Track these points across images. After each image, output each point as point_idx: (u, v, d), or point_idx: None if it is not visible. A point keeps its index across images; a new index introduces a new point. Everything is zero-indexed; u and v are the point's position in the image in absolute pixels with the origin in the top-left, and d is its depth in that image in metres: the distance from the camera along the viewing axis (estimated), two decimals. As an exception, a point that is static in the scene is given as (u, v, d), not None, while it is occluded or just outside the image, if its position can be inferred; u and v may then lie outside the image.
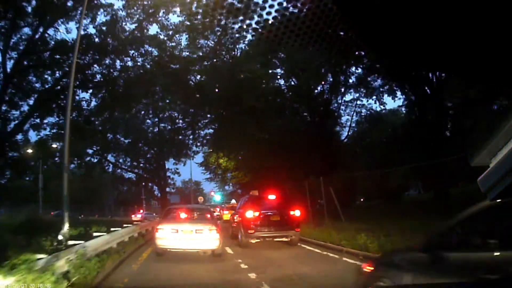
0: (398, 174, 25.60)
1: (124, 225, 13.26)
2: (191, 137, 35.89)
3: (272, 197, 14.59)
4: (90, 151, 38.09)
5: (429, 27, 1.38)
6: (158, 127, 40.16)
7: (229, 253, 11.80)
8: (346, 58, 20.98)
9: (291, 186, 23.02)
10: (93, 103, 26.54)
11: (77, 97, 24.12)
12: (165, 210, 14.29)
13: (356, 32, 1.65)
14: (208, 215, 12.55)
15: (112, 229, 10.89)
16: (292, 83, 28.50)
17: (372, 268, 4.54)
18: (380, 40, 1.52)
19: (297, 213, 14.02)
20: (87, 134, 27.81)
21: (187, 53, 23.35)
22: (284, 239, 13.47)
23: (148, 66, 25.49)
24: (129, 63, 24.61)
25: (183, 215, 12.07)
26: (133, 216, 46.29)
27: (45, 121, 25.98)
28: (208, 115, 30.90)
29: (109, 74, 24.62)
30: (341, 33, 1.82)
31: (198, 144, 35.61)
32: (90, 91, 25.29)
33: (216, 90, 24.94)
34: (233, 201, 38.64)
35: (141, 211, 53.79)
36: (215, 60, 23.05)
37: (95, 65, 23.44)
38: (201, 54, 22.12)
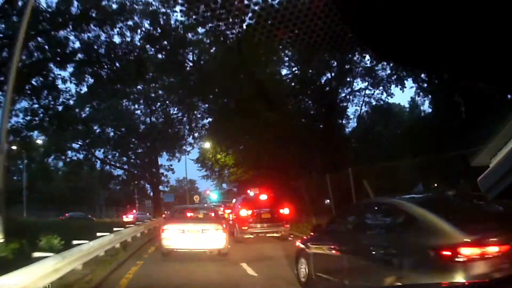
0: (408, 169, 23.62)
1: (98, 234, 9.49)
2: (187, 127, 32.29)
3: (264, 196, 15.63)
4: (76, 146, 34.82)
5: (428, 27, 1.43)
6: (150, 119, 36.56)
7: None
8: (348, 54, 20.84)
9: (298, 182, 22.07)
10: (73, 88, 22.90)
11: (51, 75, 20.33)
12: (170, 210, 14.32)
13: (356, 32, 1.70)
14: (213, 214, 12.62)
15: (75, 241, 7.13)
16: (297, 72, 26.63)
17: (300, 243, 7.29)
18: (380, 41, 1.57)
19: (286, 211, 15.20)
20: (67, 123, 24.16)
21: (183, 19, 19.65)
22: (275, 234, 14.74)
23: (138, 43, 21.87)
24: (116, 38, 20.88)
25: (188, 215, 12.15)
26: (124, 216, 43.21)
27: (18, 106, 22.49)
28: (207, 103, 27.29)
29: (92, 51, 20.85)
30: (341, 33, 1.82)
31: (196, 135, 32.07)
32: (71, 70, 21.54)
33: (218, 75, 21.58)
34: (234, 200, 35.75)
35: (134, 211, 50.70)
36: (218, 25, 19.28)
37: (71, 36, 19.67)
38: (201, 19, 18.45)
